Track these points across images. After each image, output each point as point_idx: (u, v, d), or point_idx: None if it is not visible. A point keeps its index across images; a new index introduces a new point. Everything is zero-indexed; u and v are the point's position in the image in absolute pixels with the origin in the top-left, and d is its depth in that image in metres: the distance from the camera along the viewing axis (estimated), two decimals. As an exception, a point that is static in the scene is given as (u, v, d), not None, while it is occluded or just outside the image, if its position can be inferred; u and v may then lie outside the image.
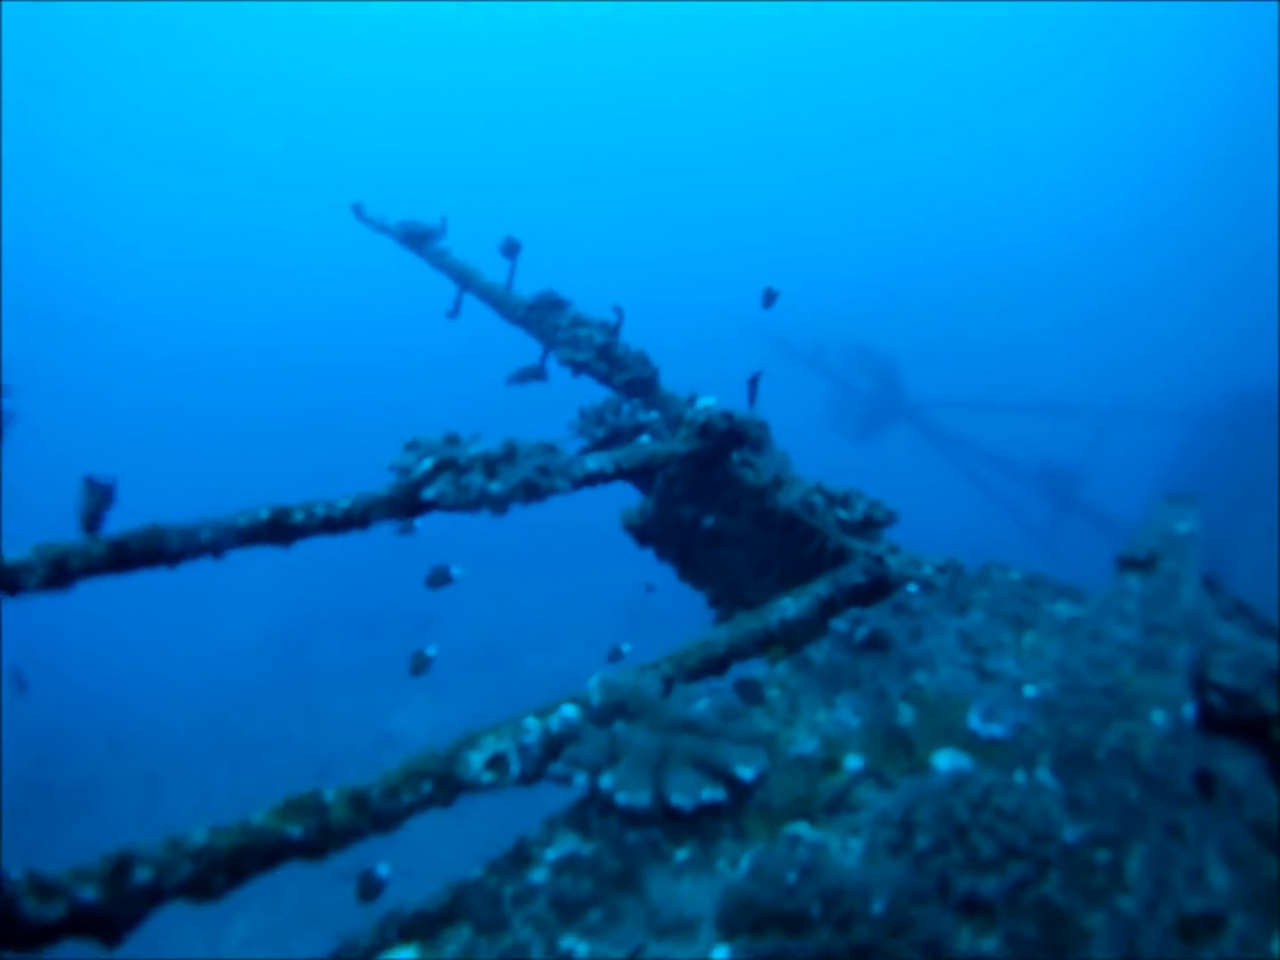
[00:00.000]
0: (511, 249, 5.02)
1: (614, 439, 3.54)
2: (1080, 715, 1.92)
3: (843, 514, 3.23)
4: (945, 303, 47.11)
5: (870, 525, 3.25)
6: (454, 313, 5.39)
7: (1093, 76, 61.34)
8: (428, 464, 2.36)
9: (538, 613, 22.01)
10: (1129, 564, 2.58)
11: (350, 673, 19.78)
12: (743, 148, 65.89)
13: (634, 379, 4.21)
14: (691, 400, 4.10)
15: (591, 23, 66.29)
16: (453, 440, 2.48)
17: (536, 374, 4.68)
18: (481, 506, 2.38)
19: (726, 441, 3.43)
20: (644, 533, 3.77)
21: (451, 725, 11.97)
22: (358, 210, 6.46)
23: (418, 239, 5.73)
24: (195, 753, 16.97)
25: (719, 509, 3.45)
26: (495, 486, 2.38)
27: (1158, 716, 1.88)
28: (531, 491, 2.47)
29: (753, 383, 3.88)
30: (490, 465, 2.43)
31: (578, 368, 4.33)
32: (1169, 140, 56.66)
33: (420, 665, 6.18)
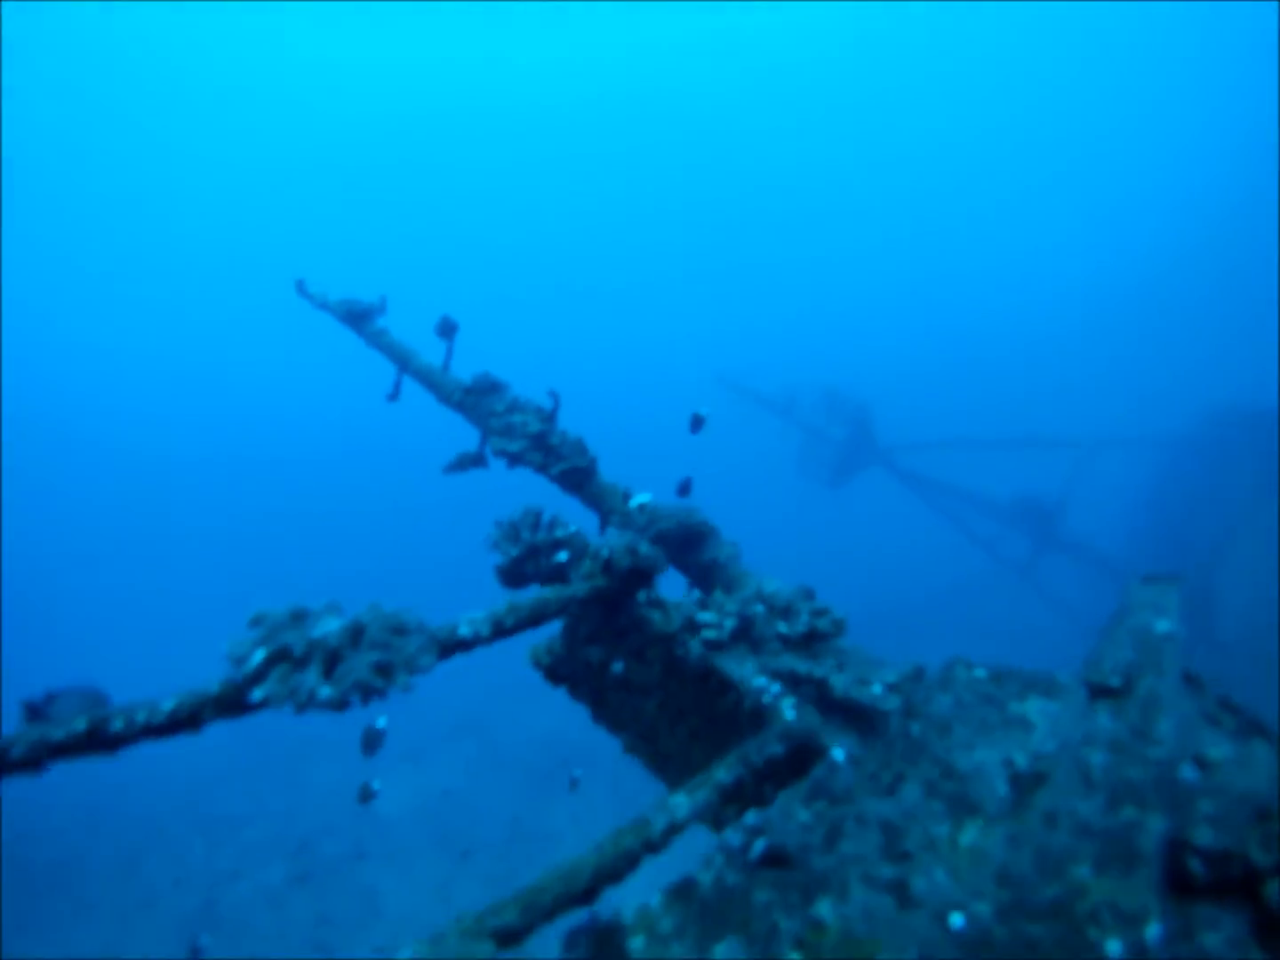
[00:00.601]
0: (448, 329, 4.81)
1: (530, 557, 3.30)
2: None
3: (783, 628, 2.99)
4: (916, 344, 47.34)
5: (816, 638, 3.01)
6: (394, 395, 5.18)
7: (1067, 117, 62.36)
8: (259, 657, 2.11)
9: (515, 678, 21.67)
10: (1100, 692, 2.32)
11: (331, 742, 19.42)
12: (714, 192, 66.31)
13: (570, 470, 4.00)
14: (626, 496, 3.90)
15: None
16: (299, 617, 2.23)
17: (475, 461, 4.45)
18: (312, 709, 2.15)
19: (631, 580, 3.08)
20: (553, 672, 3.45)
21: (433, 794, 11.66)
22: (300, 287, 6.27)
23: (356, 317, 5.53)
24: (173, 827, 16.61)
25: (627, 654, 3.13)
26: (325, 691, 2.13)
27: (1113, 948, 1.56)
28: (368, 692, 2.21)
29: (696, 422, 3.70)
30: (331, 655, 2.17)
31: (511, 459, 4.12)
32: (1137, 175, 57.55)
33: (371, 741, 5.86)
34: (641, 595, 3.11)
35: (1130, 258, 49.48)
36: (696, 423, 4.95)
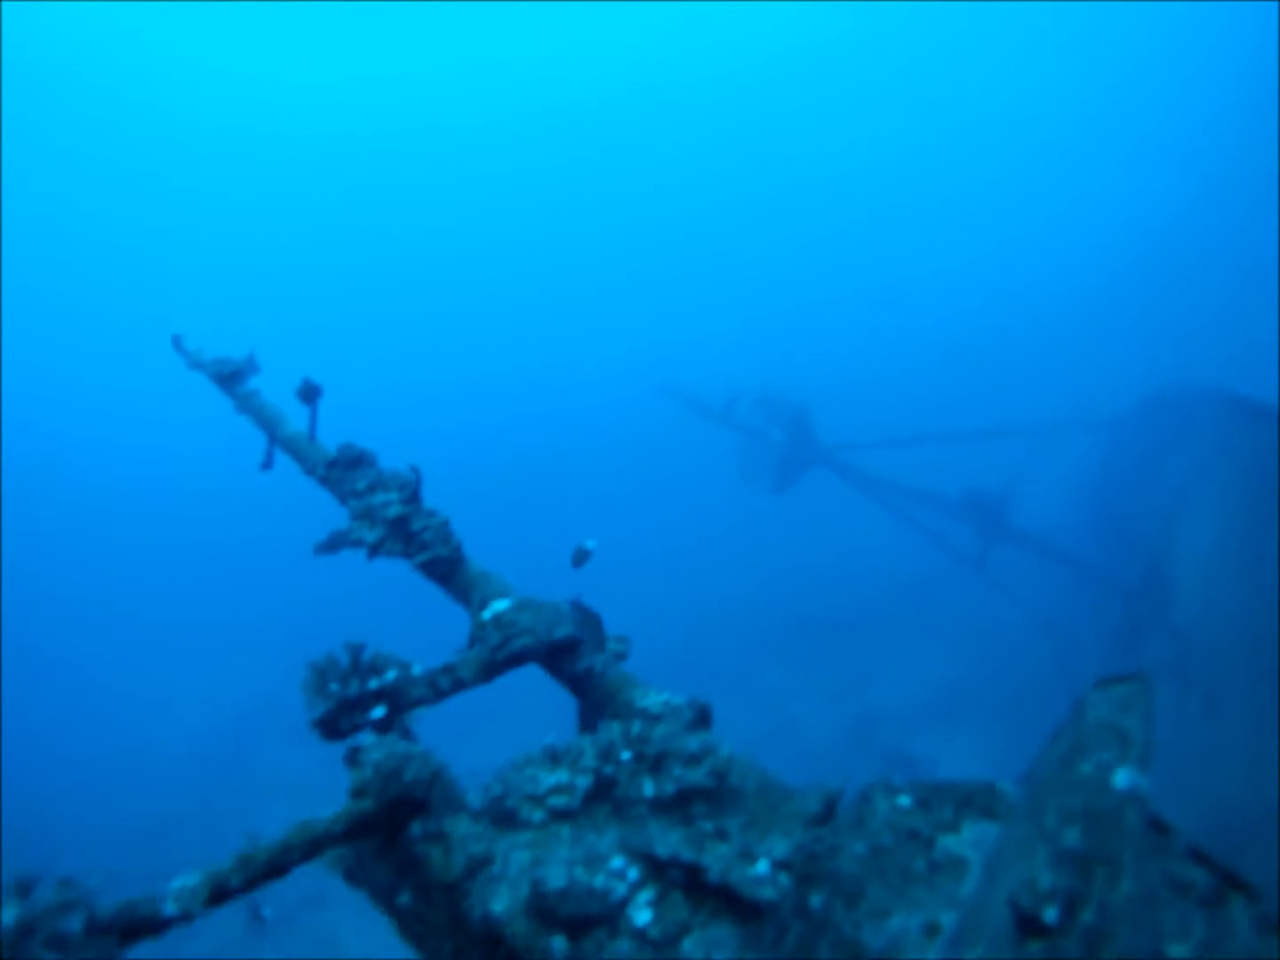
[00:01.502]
0: (310, 393, 4.25)
1: (345, 712, 2.77)
2: None
3: (649, 790, 2.47)
4: (856, 342, 47.42)
5: (686, 800, 2.48)
6: (267, 464, 4.62)
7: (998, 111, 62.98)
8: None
9: (474, 706, 21.18)
10: (1029, 926, 1.71)
11: (288, 779, 18.89)
12: (653, 191, 66.21)
13: (431, 561, 3.48)
14: (483, 604, 3.35)
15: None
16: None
17: (353, 541, 3.89)
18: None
19: (399, 809, 2.50)
20: (352, 875, 2.87)
21: None
22: (176, 342, 5.67)
23: (226, 379, 4.96)
24: (126, 871, 15.93)
25: (413, 888, 2.52)
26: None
27: None
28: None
29: (580, 555, 3.30)
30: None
31: (371, 550, 3.55)
32: (1090, 168, 58.21)
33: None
34: (417, 827, 2.49)
35: (1076, 252, 49.87)
36: (580, 556, 4.64)
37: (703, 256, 61.66)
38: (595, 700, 3.27)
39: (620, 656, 3.50)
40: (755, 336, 49.69)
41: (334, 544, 3.82)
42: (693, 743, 2.74)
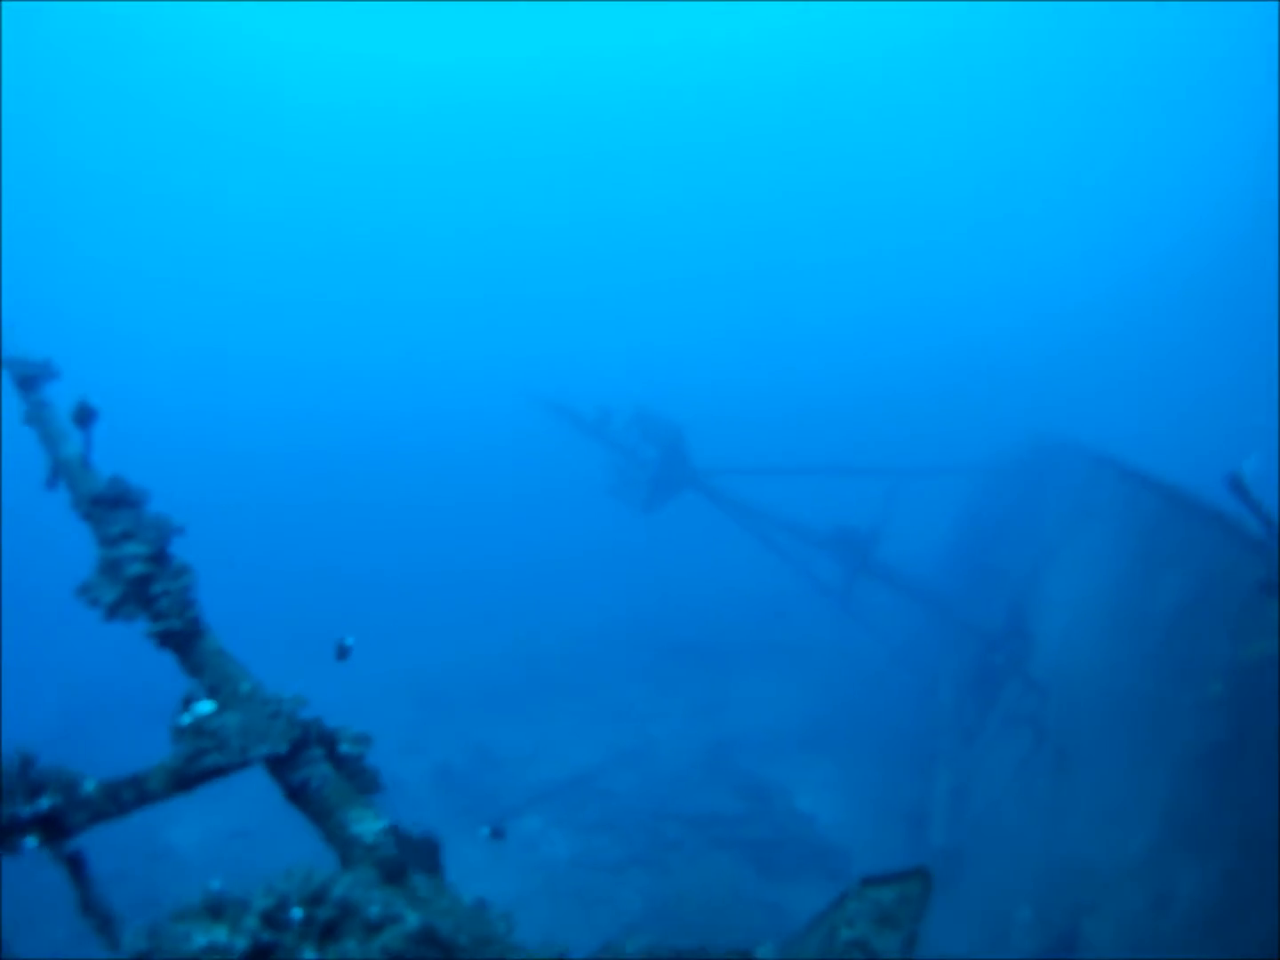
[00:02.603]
0: (84, 417, 3.67)
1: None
2: None
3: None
4: (731, 368, 47.82)
5: None
6: (51, 483, 4.01)
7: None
8: None
9: (317, 709, 20.42)
10: None
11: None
12: (526, 211, 65.73)
13: (168, 632, 3.00)
14: (188, 703, 2.88)
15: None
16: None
17: None
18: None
19: None
20: None
21: (223, 835, 10.50)
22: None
23: (23, 381, 4.34)
24: None
25: None
26: None
27: None
28: None
29: (342, 651, 2.88)
30: None
31: (108, 612, 3.03)
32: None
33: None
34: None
35: (955, 284, 51.24)
36: (342, 651, 4.32)
37: (591, 270, 61.49)
38: (314, 819, 2.83)
39: (353, 761, 3.06)
40: (635, 355, 49.72)
41: (80, 594, 3.30)
42: (373, 907, 2.24)
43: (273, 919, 2.12)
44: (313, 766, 2.87)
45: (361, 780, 3.14)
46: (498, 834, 9.25)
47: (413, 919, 2.19)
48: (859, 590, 17.34)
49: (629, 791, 16.52)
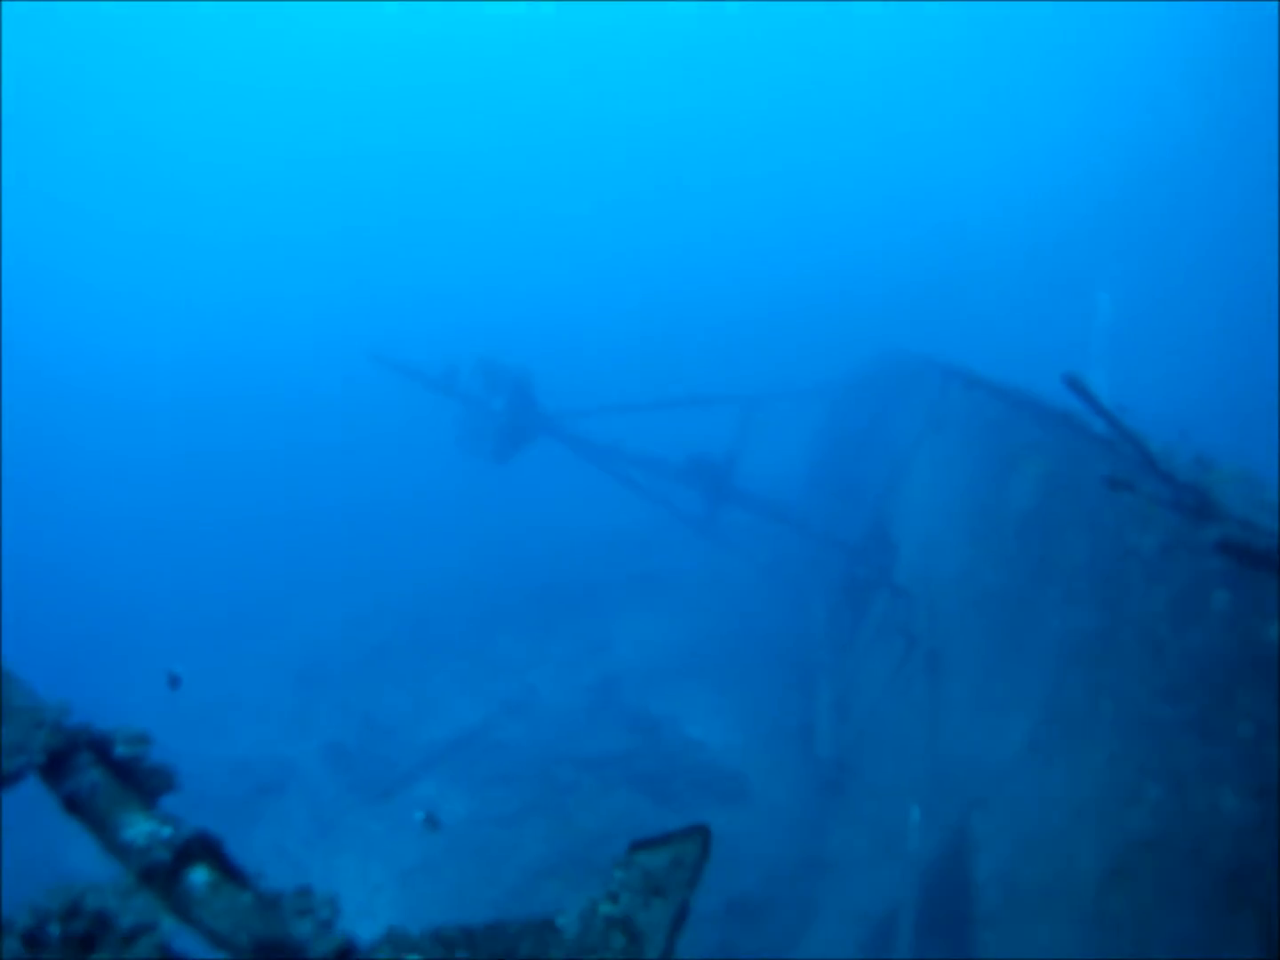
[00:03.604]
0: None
1: None
2: None
3: None
4: (578, 305, 47.48)
5: None
6: None
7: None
8: None
9: (208, 692, 19.87)
10: None
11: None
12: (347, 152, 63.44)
13: None
14: None
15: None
16: None
17: None
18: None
19: None
20: None
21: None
22: None
23: None
24: None
25: None
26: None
27: None
28: None
29: (173, 680, 2.63)
30: None
31: None
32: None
33: None
34: None
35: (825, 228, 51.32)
36: (174, 681, 4.30)
37: (427, 219, 59.92)
38: (91, 829, 2.69)
39: (132, 763, 2.89)
40: (476, 304, 48.86)
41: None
42: (126, 917, 2.14)
43: (33, 938, 2.02)
44: (81, 774, 2.68)
45: (149, 782, 2.93)
46: (431, 822, 9.15)
47: (167, 925, 2.14)
48: (722, 517, 17.59)
49: (519, 741, 16.52)
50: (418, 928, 7.87)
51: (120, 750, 2.80)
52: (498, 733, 16.83)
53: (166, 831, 2.51)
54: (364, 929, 8.30)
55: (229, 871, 2.78)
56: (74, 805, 2.67)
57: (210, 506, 33.04)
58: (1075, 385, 6.76)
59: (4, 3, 51.00)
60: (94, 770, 2.68)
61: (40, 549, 29.40)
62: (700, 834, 2.55)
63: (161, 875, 2.41)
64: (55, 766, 2.67)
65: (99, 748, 2.77)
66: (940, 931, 7.40)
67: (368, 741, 17.21)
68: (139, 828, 2.50)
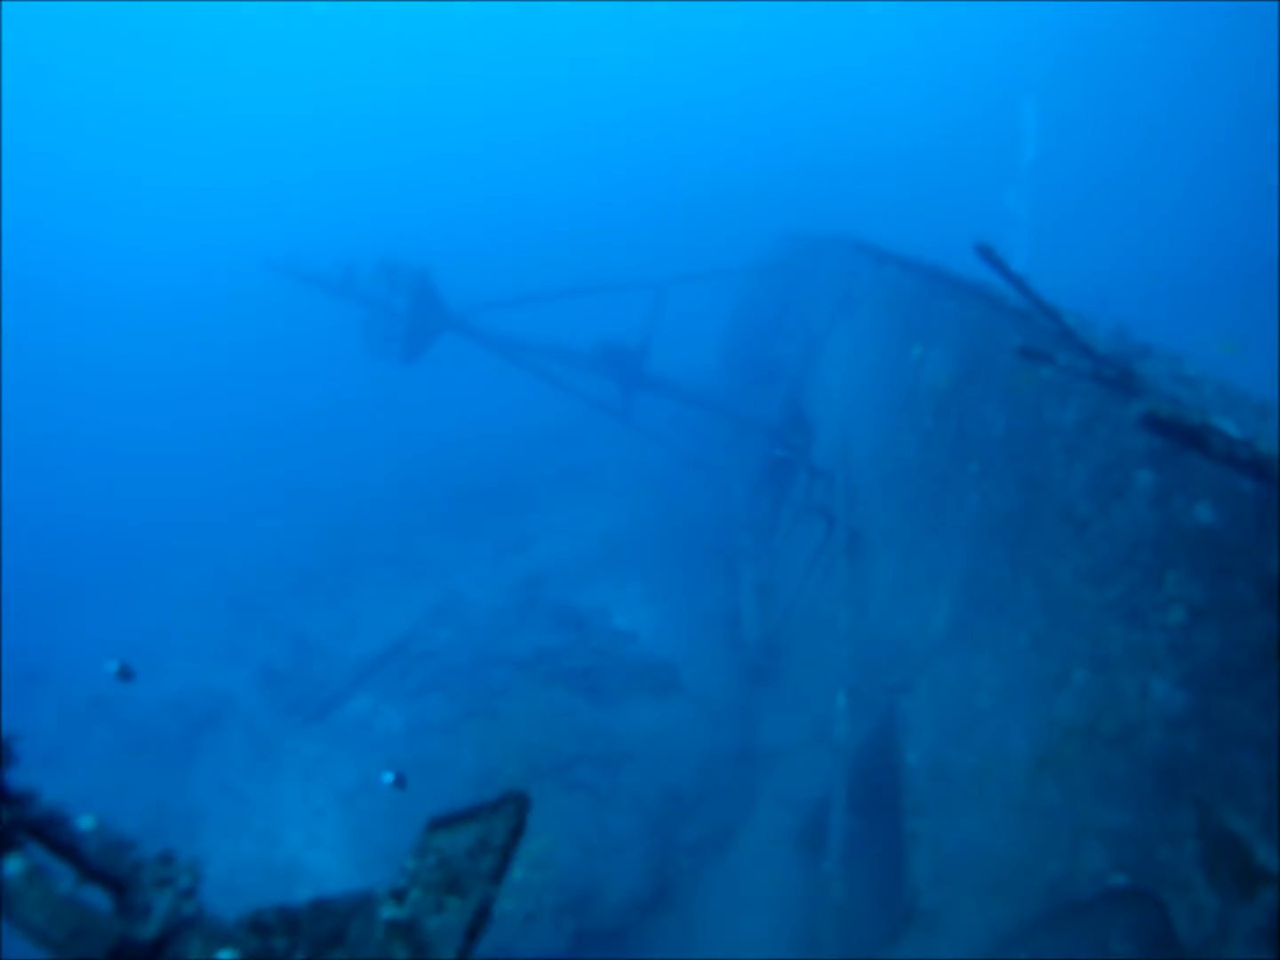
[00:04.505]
0: None
1: None
2: None
3: None
4: (475, 194, 46.03)
5: None
6: None
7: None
8: None
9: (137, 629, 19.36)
10: None
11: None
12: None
13: None
14: None
15: None
16: None
17: None
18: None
19: None
20: None
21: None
22: None
23: None
24: None
25: None
26: None
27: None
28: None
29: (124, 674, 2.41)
30: None
31: None
32: None
33: None
34: None
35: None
36: (125, 673, 4.85)
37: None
38: None
39: None
40: (370, 200, 47.10)
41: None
42: None
43: None
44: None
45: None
46: (400, 782, 8.96)
47: None
48: (639, 405, 17.26)
49: (449, 647, 16.34)
50: (366, 849, 7.66)
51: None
52: (427, 641, 16.61)
53: None
54: (312, 859, 8.06)
55: (60, 847, 2.49)
56: None
57: (115, 438, 31.93)
58: (987, 254, 6.45)
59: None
60: None
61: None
62: (513, 806, 2.18)
63: None
64: None
65: None
66: (873, 815, 7.39)
67: (300, 662, 16.89)
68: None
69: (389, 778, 8.33)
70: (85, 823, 2.61)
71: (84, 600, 22.00)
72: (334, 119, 57.11)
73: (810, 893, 7.87)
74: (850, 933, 6.89)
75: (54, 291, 45.22)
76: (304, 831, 13.04)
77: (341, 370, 26.00)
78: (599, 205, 42.60)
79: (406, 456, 24.45)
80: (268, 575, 20.36)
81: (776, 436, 13.33)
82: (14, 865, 2.27)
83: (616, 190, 43.90)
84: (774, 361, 15.18)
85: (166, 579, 21.89)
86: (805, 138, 42.02)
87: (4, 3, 52.09)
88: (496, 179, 49.01)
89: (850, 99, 44.70)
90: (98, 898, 2.54)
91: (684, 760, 11.64)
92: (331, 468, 24.97)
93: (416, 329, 16.92)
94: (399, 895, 2.01)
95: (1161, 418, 4.01)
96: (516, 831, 2.14)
